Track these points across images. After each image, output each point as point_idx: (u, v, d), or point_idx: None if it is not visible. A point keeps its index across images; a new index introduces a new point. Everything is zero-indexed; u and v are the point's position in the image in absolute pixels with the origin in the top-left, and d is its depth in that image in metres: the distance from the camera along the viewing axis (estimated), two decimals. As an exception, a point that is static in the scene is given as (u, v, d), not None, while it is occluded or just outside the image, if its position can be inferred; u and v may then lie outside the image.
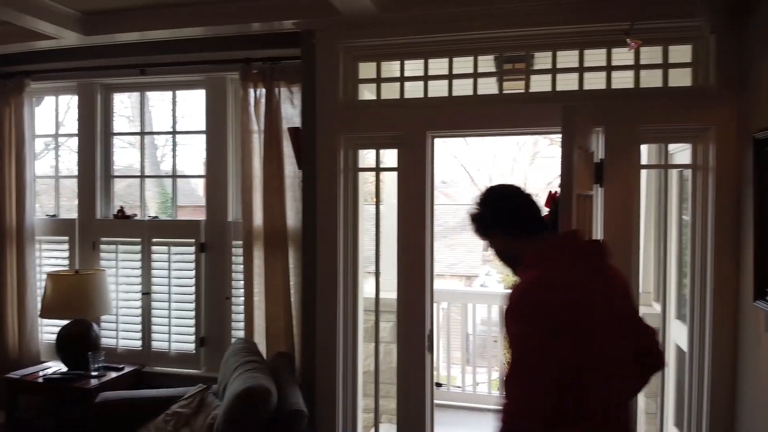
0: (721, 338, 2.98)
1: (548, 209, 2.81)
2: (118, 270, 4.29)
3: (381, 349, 4.77)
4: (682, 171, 3.82)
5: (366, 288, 4.15)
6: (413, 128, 3.36)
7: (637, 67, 3.23)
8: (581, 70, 3.28)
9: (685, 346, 3.35)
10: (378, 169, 3.60)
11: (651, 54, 3.26)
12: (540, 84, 3.36)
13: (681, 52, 3.23)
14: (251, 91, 3.83)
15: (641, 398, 4.13)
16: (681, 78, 3.24)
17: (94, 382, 3.79)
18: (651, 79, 3.28)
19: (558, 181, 2.49)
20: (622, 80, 3.30)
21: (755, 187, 2.61)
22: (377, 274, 3.58)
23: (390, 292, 3.65)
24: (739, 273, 2.93)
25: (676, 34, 3.14)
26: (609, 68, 3.25)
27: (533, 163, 25.35)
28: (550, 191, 2.86)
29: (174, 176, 4.51)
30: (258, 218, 3.81)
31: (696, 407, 3.09)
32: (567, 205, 2.36)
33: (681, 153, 3.75)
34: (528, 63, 3.38)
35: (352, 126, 3.47)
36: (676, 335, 3.82)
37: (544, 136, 19.49)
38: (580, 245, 1.94)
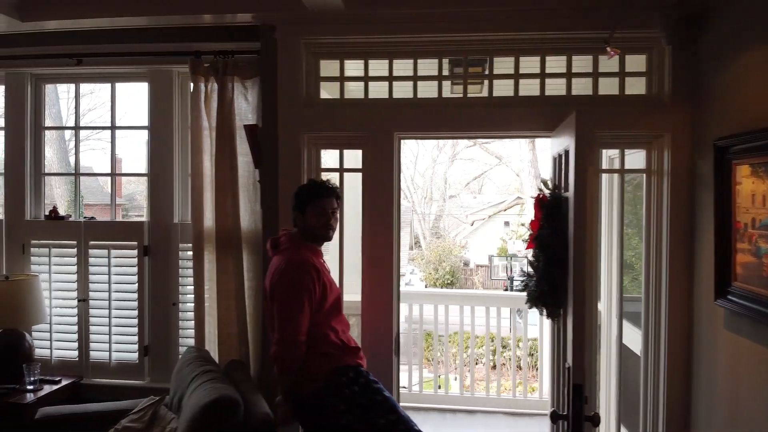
0: (676, 335, 3.04)
1: (536, 212, 2.74)
2: (52, 275, 3.87)
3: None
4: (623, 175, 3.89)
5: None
6: (380, 129, 3.22)
7: (595, 74, 3.25)
8: (543, 76, 3.26)
9: (632, 344, 3.41)
10: (342, 170, 3.43)
11: (609, 63, 3.28)
12: (503, 89, 3.32)
13: (637, 62, 3.28)
14: (202, 85, 3.55)
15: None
16: (637, 86, 3.29)
17: (29, 396, 3.39)
18: (608, 87, 3.31)
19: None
20: (582, 87, 3.32)
21: (716, 192, 2.66)
22: (340, 275, 3.41)
23: (354, 294, 3.50)
24: (693, 274, 3.01)
25: (633, 44, 3.18)
26: (569, 75, 3.25)
27: (452, 165, 25.91)
28: (539, 194, 2.81)
29: (113, 174, 4.14)
30: (209, 219, 3.54)
31: (652, 404, 3.15)
32: (580, 214, 2.29)
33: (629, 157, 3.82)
34: (490, 68, 3.33)
35: (316, 125, 3.28)
36: (619, 333, 3.88)
37: (468, 139, 19.94)
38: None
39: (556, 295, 2.60)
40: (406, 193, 23.78)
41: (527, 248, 2.79)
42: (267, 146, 3.28)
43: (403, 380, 4.72)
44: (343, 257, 3.46)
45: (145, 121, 3.83)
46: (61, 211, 3.94)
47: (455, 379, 8.53)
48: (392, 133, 3.21)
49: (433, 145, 24.85)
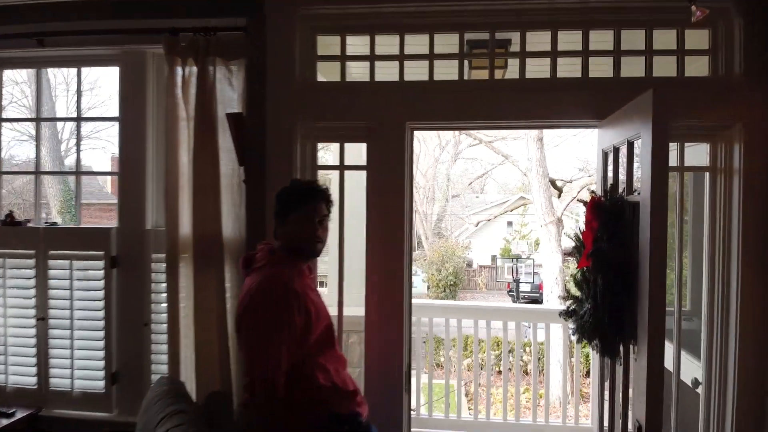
0: (747, 342, 2.46)
1: (591, 220, 2.14)
2: (6, 290, 3.28)
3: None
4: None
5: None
6: (388, 117, 2.63)
7: (649, 52, 2.66)
8: (586, 54, 2.67)
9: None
10: (342, 167, 2.83)
11: (664, 39, 2.70)
12: (537, 69, 2.73)
13: (698, 38, 2.68)
14: (179, 68, 2.95)
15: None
16: (698, 67, 2.71)
17: (-24, 435, 2.82)
18: (663, 68, 2.72)
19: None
20: (631, 67, 2.73)
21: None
22: (340, 289, 2.82)
23: (357, 307, 2.91)
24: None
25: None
26: (618, 53, 2.66)
27: (455, 164, 25.36)
28: (593, 197, 2.20)
29: (78, 173, 3.55)
30: (185, 226, 2.95)
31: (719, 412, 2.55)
32: (659, 225, 1.70)
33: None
34: (522, 44, 2.73)
35: (311, 113, 2.69)
36: (676, 365, 3.30)
37: (466, 134, 19.33)
38: None
39: (620, 327, 2.00)
40: (408, 193, 23.20)
41: (580, 266, 2.18)
42: (253, 139, 2.69)
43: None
44: (343, 268, 2.87)
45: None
46: (54, 214, 3.36)
47: (464, 390, 7.97)
48: (403, 123, 2.62)
49: (435, 144, 24.30)
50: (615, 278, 1.94)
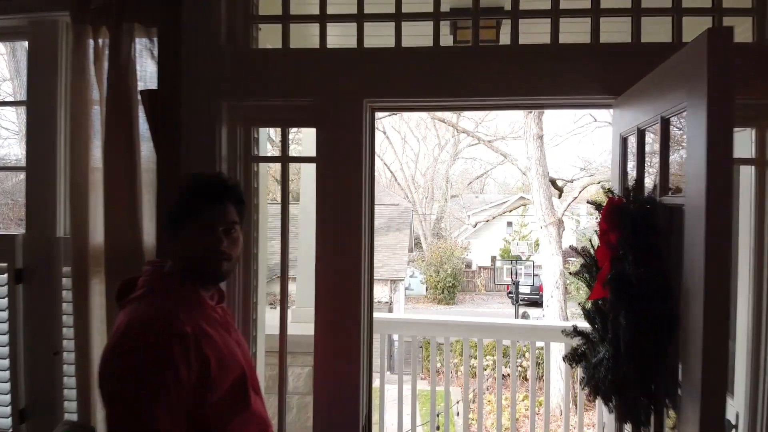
0: None
1: (607, 230, 1.50)
2: None
3: (294, 402, 3.42)
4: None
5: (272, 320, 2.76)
6: (343, 94, 2.01)
7: (678, 10, 2.04)
8: (596, 12, 2.06)
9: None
10: (286, 159, 2.20)
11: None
12: (535, 32, 2.12)
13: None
14: (90, 40, 2.35)
15: None
16: (740, 33, 2.09)
17: None
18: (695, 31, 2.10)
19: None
20: (656, 27, 2.11)
21: None
22: (283, 304, 2.22)
23: (305, 323, 2.30)
24: None
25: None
26: (637, 10, 2.05)
27: (454, 164, 24.80)
28: (611, 199, 1.57)
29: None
30: (97, 233, 2.34)
31: None
32: (721, 238, 1.09)
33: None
34: (514, 3, 2.12)
35: (244, 90, 2.07)
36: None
37: (463, 132, 18.69)
38: None
39: (650, 383, 1.38)
40: (407, 193, 22.68)
41: (591, 297, 1.55)
42: (169, 123, 2.07)
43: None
44: (286, 283, 2.25)
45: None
46: None
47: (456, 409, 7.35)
48: (361, 101, 2.01)
49: (434, 144, 23.70)
50: (645, 315, 1.32)
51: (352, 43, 2.08)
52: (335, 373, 2.06)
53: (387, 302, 13.51)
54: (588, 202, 1.75)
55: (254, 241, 2.29)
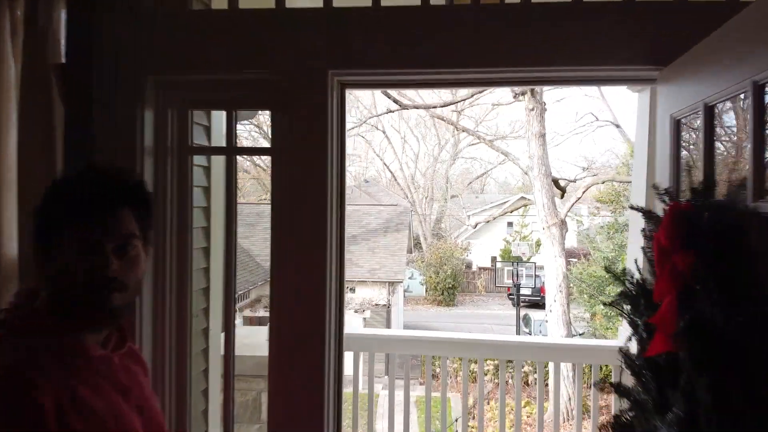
0: None
1: (670, 250, 0.99)
2: None
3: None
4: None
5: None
6: (303, 66, 1.54)
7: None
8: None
9: None
10: (233, 150, 1.71)
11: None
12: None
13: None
14: (6, 9, 1.90)
15: None
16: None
17: None
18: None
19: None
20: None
21: None
22: (228, 324, 1.75)
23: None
24: None
25: None
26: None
27: (454, 164, 24.36)
28: (673, 207, 1.04)
29: None
30: (12, 242, 1.88)
31: None
32: None
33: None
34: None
35: (177, 62, 1.60)
36: None
37: (463, 131, 18.22)
38: None
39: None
40: (406, 193, 22.24)
41: (653, 352, 1.02)
42: (80, 102, 1.60)
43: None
44: (234, 289, 1.79)
45: None
46: None
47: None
48: (326, 74, 1.53)
49: (434, 144, 23.23)
50: (741, 380, 0.85)
51: (317, 2, 1.61)
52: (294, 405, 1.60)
53: (385, 305, 13.07)
54: (631, 207, 1.28)
55: (205, 253, 1.83)
